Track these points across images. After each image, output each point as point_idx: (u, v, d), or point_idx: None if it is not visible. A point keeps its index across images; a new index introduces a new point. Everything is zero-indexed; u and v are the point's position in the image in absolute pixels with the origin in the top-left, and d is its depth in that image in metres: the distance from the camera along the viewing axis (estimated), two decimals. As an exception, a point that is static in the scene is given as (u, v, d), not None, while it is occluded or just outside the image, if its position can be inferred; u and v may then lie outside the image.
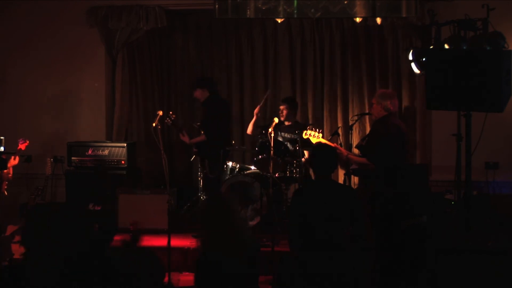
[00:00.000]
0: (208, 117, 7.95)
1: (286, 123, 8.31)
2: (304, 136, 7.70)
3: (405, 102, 8.61)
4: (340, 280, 4.78)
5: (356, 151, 7.59)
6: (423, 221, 6.13)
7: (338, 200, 5.07)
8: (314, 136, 7.71)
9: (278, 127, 8.10)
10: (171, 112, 8.20)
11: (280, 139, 8.08)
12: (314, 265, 4.84)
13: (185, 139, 7.91)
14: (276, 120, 8.00)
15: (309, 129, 7.83)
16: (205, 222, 3.95)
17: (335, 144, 7.87)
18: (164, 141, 8.11)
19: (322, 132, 8.11)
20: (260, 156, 7.95)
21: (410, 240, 5.74)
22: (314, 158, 5.33)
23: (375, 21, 8.23)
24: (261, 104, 8.44)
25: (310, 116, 8.99)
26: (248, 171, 8.34)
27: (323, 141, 7.87)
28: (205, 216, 3.96)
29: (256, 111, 8.39)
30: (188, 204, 8.58)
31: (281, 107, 8.30)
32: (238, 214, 3.96)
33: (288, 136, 8.24)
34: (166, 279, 5.79)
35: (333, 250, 4.91)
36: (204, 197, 8.14)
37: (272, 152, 7.38)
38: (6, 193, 7.70)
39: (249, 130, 8.51)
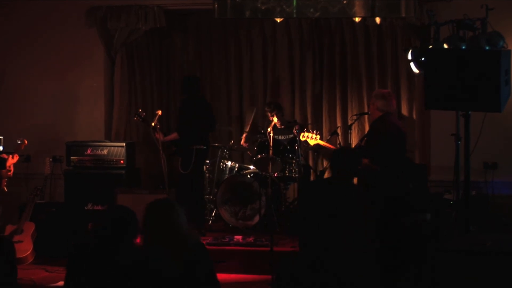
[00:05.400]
0: (180, 116, 8.09)
1: (278, 125, 8.32)
2: (302, 138, 7.72)
3: (404, 102, 8.62)
4: (345, 279, 4.78)
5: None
6: (426, 219, 6.12)
7: (347, 200, 5.09)
8: (311, 138, 7.73)
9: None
10: (140, 110, 8.22)
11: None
12: (322, 263, 4.84)
13: (159, 136, 7.95)
14: (275, 120, 8.02)
15: (306, 131, 7.85)
16: (145, 220, 4.01)
17: (338, 147, 7.89)
18: (162, 141, 8.12)
19: (320, 134, 8.12)
20: (259, 156, 7.97)
21: (412, 236, 5.75)
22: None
23: (374, 21, 8.24)
24: (250, 122, 8.52)
25: (309, 116, 8.99)
26: (247, 171, 8.35)
27: (321, 143, 7.89)
28: (146, 214, 4.02)
29: (242, 141, 8.50)
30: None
31: (270, 117, 8.28)
32: (180, 217, 3.99)
33: (283, 137, 8.26)
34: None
35: (341, 249, 4.92)
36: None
37: (271, 151, 7.38)
38: (5, 189, 7.72)
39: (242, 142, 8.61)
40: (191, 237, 4.04)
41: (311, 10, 7.72)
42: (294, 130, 8.11)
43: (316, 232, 5.03)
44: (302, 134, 7.76)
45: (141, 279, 3.88)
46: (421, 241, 5.62)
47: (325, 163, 8.94)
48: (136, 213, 4.17)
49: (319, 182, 7.83)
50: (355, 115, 8.52)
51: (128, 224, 4.05)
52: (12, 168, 7.76)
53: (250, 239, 7.30)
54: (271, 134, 7.50)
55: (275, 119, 8.05)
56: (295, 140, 8.01)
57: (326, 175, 8.69)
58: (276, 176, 7.89)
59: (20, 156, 7.93)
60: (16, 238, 7.20)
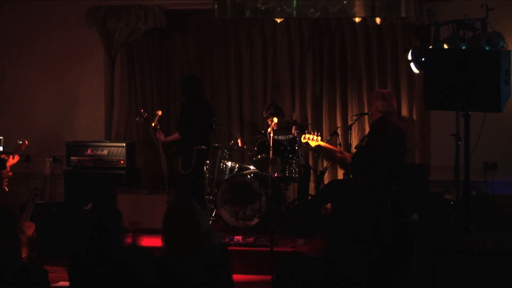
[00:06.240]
0: (181, 116, 8.11)
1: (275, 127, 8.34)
2: (303, 140, 7.72)
3: (404, 102, 8.62)
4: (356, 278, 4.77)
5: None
6: (413, 220, 6.12)
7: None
8: (312, 140, 7.73)
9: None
10: (142, 110, 8.26)
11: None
12: (340, 263, 4.82)
13: (161, 137, 7.98)
14: (275, 120, 8.01)
15: (307, 132, 7.85)
16: (167, 225, 3.95)
17: (339, 148, 7.89)
18: (163, 141, 8.13)
19: (321, 134, 8.12)
20: (259, 156, 7.96)
21: (399, 237, 5.76)
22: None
23: (374, 21, 8.24)
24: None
25: (309, 116, 8.99)
26: (247, 171, 8.35)
27: (322, 144, 7.89)
28: (167, 218, 3.95)
29: (239, 145, 8.54)
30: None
31: (269, 121, 8.28)
32: (202, 219, 3.94)
33: (283, 137, 8.27)
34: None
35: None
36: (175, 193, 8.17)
37: (271, 152, 7.38)
38: (6, 189, 7.72)
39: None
40: (212, 239, 3.97)
41: (311, 10, 7.73)
42: (293, 131, 8.12)
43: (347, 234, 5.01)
44: (303, 136, 7.76)
45: (161, 283, 3.86)
46: (408, 241, 5.62)
47: (325, 163, 8.94)
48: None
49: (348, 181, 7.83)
50: (355, 115, 8.52)
51: (110, 226, 4.04)
52: (8, 169, 7.76)
53: (250, 239, 7.30)
54: (271, 135, 7.49)
55: (275, 119, 8.04)
56: (295, 140, 8.01)
57: (326, 176, 8.69)
58: (276, 176, 7.89)
59: (20, 156, 7.93)
60: (16, 238, 7.19)
